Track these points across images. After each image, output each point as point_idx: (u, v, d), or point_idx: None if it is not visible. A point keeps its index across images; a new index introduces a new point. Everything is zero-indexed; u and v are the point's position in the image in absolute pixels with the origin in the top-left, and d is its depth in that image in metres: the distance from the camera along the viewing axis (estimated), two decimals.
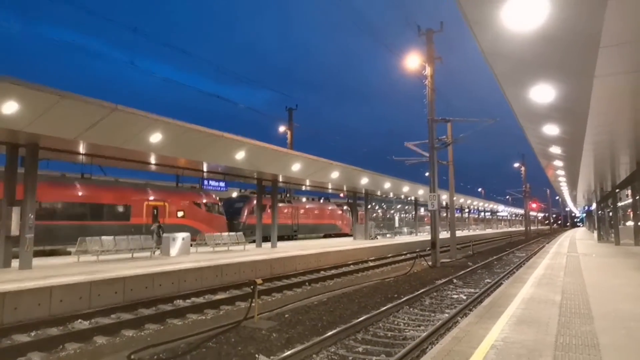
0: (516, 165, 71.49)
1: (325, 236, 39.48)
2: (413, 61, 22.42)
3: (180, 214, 25.79)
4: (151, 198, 24.35)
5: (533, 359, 5.38)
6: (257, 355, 7.49)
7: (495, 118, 23.36)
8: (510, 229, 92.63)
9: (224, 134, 16.68)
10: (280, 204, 34.37)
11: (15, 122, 11.33)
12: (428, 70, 23.11)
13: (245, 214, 32.01)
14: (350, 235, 40.46)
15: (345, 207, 43.18)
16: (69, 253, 18.87)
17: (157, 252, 18.94)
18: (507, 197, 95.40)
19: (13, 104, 10.70)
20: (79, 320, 10.19)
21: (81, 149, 14.77)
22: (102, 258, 16.60)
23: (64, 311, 10.44)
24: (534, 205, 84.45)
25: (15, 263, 13.76)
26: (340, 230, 42.15)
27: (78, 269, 13.62)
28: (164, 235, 19.58)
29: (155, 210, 24.28)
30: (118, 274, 12.51)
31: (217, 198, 29.79)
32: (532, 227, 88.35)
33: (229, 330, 9.09)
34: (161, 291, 13.06)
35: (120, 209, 22.98)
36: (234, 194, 41.03)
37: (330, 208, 42.22)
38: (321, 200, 43.20)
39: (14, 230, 13.61)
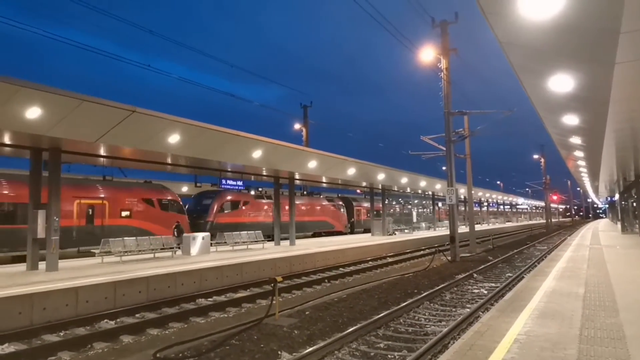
0: (536, 156, 70.37)
1: (314, 235, 36.06)
2: (428, 54, 22.20)
3: (125, 213, 22.37)
4: (85, 195, 20.90)
5: (557, 352, 5.33)
6: (279, 352, 7.57)
7: (513, 109, 23.05)
8: (530, 222, 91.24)
9: (240, 133, 16.81)
10: (260, 200, 31.82)
11: (38, 127, 11.60)
12: (443, 63, 22.87)
13: (215, 211, 28.23)
14: (345, 233, 39.18)
15: (340, 203, 40.65)
16: None
17: (178, 252, 19.21)
18: (527, 189, 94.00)
19: (36, 109, 10.96)
20: (105, 319, 10.43)
21: (102, 151, 15.05)
22: (125, 259, 16.92)
23: (91, 311, 10.69)
24: (554, 197, 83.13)
25: (42, 265, 14.12)
26: (332, 227, 38.50)
27: (102, 269, 13.92)
28: (185, 235, 19.86)
29: (90, 210, 21.06)
30: (141, 274, 12.75)
31: (176, 194, 26.26)
32: (553, 220, 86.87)
33: (251, 327, 9.19)
34: (183, 290, 13.26)
35: None
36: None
37: (321, 204, 38.03)
38: (303, 195, 38.29)
39: (40, 232, 13.97)
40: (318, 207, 37.49)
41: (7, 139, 12.77)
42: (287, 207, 26.94)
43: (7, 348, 8.37)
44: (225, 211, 28.98)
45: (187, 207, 28.03)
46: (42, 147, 13.99)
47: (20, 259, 17.80)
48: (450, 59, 23.19)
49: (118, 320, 10.57)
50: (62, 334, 9.39)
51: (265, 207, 32.07)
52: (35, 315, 9.78)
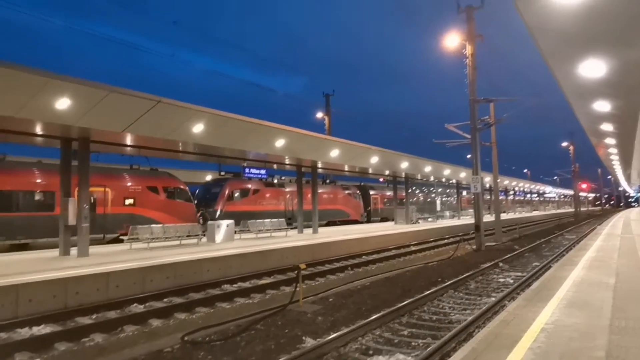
0: (564, 144, 68.52)
1: (328, 224, 34.11)
2: (453, 40, 21.76)
3: (128, 201, 21.44)
4: None
5: (586, 342, 5.25)
6: (303, 338, 7.67)
7: (540, 96, 22.52)
8: (558, 211, 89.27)
9: (263, 122, 16.91)
10: (271, 188, 30.80)
11: (67, 117, 11.92)
12: (468, 49, 22.39)
13: (224, 200, 27.25)
14: (361, 222, 38.06)
15: (355, 191, 39.21)
16: None
17: (203, 239, 19.57)
18: (555, 177, 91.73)
19: (66, 100, 11.25)
20: (135, 304, 10.74)
21: (128, 141, 15.37)
22: (152, 245, 17.33)
23: (120, 295, 11.03)
24: (583, 186, 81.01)
25: (73, 251, 14.60)
26: (347, 216, 37.05)
27: (131, 255, 14.31)
28: (209, 222, 20.19)
29: (91, 198, 19.22)
30: (168, 260, 13.06)
31: (183, 182, 25.13)
32: (582, 209, 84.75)
33: (275, 313, 9.34)
34: (209, 276, 13.53)
35: (40, 197, 18.65)
36: (209, 177, 34.65)
37: (334, 191, 36.45)
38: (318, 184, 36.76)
39: (71, 220, 14.43)
40: (332, 195, 35.88)
41: (39, 129, 13.17)
42: (306, 196, 26.54)
43: (44, 329, 8.73)
44: (235, 199, 28.06)
45: (196, 195, 27.26)
46: (71, 137, 14.37)
47: (20, 248, 17.37)
48: (475, 45, 22.69)
49: (147, 304, 10.87)
50: (94, 317, 9.73)
51: (277, 195, 31.24)
52: (69, 299, 10.15)
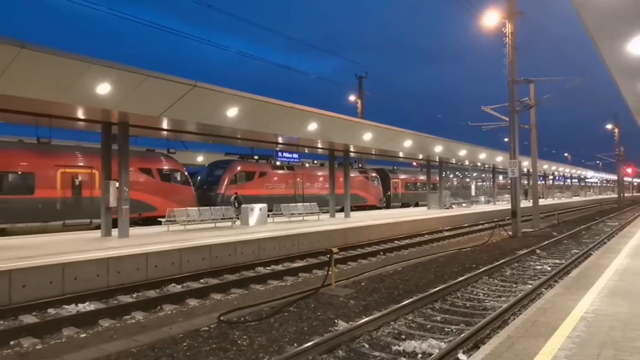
0: (609, 126, 65.50)
1: (342, 209, 31.21)
2: (492, 18, 20.95)
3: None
4: (70, 164, 18.28)
5: (629, 333, 5.07)
6: (336, 321, 7.74)
7: (584, 76, 21.47)
8: (600, 197, 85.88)
9: (295, 105, 16.93)
10: (279, 171, 29.18)
11: (108, 102, 12.27)
12: (508, 28, 21.54)
13: (226, 183, 25.75)
14: (379, 208, 36.42)
15: (373, 175, 37.23)
16: None
17: (237, 222, 19.94)
18: (598, 162, 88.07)
19: (106, 85, 11.58)
20: (172, 284, 11.11)
21: (165, 125, 15.72)
22: (189, 227, 17.80)
23: (159, 275, 11.41)
24: (628, 170, 77.51)
25: (114, 232, 15.17)
26: (365, 201, 35.15)
27: (168, 237, 14.75)
28: (243, 205, 20.53)
29: (76, 180, 18.56)
30: (204, 242, 13.39)
31: (181, 164, 23.86)
32: (626, 194, 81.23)
33: (308, 296, 9.45)
34: (243, 258, 13.81)
35: (16, 178, 17.35)
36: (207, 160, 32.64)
37: (350, 175, 33.29)
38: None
39: (112, 202, 14.97)
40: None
41: (80, 114, 13.63)
42: (318, 180, 26.01)
43: (88, 306, 9.17)
44: (238, 183, 26.30)
45: (198, 178, 26.52)
46: (111, 121, 14.81)
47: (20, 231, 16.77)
48: (516, 23, 21.80)
49: (184, 284, 11.22)
50: (134, 296, 10.14)
51: (287, 178, 29.73)
52: (111, 278, 10.60)
